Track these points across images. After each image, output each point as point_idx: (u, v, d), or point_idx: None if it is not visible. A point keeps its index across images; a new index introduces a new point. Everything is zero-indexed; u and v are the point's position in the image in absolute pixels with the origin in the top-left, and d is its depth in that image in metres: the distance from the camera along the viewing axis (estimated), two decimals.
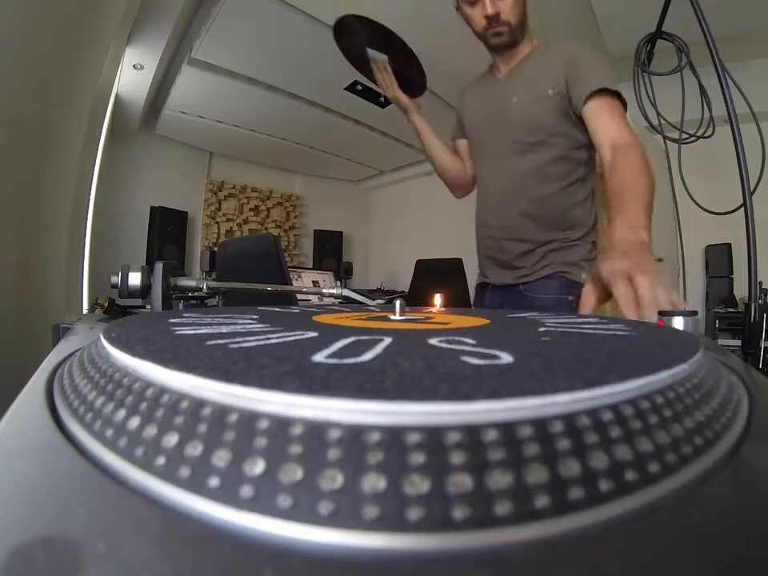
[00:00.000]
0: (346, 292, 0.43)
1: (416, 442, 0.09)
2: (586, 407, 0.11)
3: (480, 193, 0.94)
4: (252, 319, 0.27)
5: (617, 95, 0.72)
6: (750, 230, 0.79)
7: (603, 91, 0.72)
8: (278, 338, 0.19)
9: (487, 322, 0.30)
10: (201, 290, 0.42)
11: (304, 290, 0.45)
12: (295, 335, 0.20)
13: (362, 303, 0.40)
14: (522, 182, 0.83)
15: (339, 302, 0.57)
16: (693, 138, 1.55)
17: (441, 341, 0.19)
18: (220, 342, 0.18)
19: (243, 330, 0.22)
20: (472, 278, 1.31)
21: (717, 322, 2.40)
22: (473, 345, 0.18)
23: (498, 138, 0.86)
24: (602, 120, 0.72)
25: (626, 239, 0.51)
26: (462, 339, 0.20)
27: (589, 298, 0.47)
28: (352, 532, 0.08)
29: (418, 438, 0.10)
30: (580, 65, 0.76)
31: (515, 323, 0.30)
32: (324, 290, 0.43)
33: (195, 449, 0.10)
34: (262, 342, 0.18)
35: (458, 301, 1.75)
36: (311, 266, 3.82)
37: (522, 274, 0.85)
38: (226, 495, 0.09)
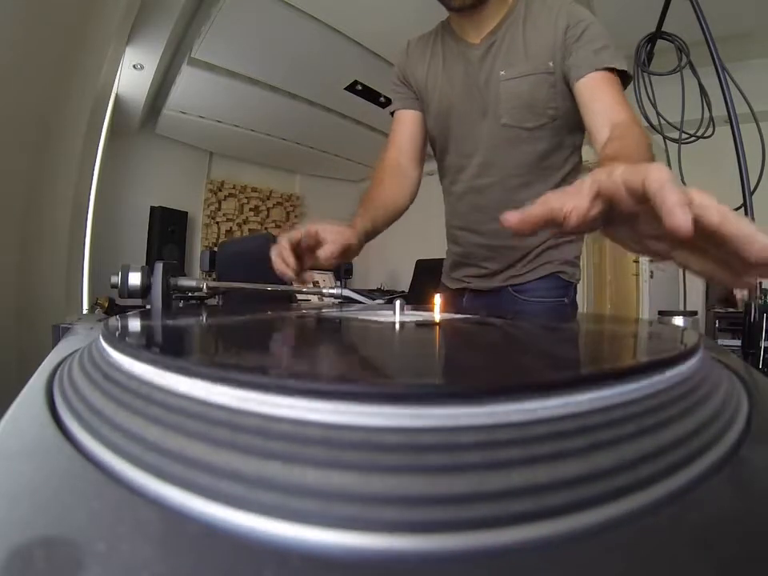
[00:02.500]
0: (346, 292, 0.43)
1: (415, 443, 0.09)
2: (586, 408, 0.11)
3: (458, 192, 0.76)
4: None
5: (618, 76, 0.61)
6: None
7: (606, 69, 0.60)
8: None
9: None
10: (201, 289, 0.42)
11: (304, 289, 0.45)
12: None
13: (361, 303, 0.40)
14: (519, 177, 0.69)
15: (338, 302, 0.56)
16: (693, 138, 1.55)
17: None
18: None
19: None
20: None
21: (717, 322, 2.39)
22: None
23: (480, 123, 0.70)
24: (600, 98, 0.60)
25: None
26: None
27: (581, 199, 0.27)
28: (352, 532, 0.08)
29: (417, 441, 0.10)
30: (584, 32, 0.62)
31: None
32: (324, 290, 0.43)
33: (195, 449, 0.10)
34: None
35: None
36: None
37: (512, 275, 0.73)
38: (227, 495, 0.09)
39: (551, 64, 0.64)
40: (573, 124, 0.69)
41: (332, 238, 0.48)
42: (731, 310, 2.35)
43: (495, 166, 0.71)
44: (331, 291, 0.42)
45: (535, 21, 0.66)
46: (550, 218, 0.28)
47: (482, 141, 0.70)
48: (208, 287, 0.42)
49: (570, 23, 0.63)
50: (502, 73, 0.67)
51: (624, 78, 0.63)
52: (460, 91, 0.71)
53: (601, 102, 0.60)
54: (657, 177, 0.24)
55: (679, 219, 0.21)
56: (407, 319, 0.29)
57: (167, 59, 2.53)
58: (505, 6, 0.68)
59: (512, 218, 0.28)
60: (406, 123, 0.77)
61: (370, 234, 0.60)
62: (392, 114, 0.80)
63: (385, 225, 0.65)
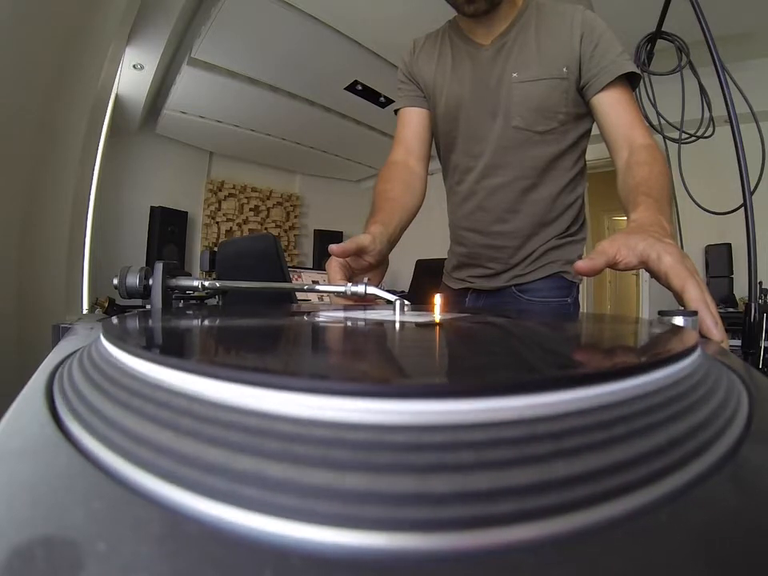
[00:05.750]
0: (371, 289, 0.42)
1: (415, 441, 0.09)
2: (585, 406, 0.11)
3: (464, 192, 0.76)
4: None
5: (630, 82, 0.64)
6: (750, 230, 0.79)
7: (622, 77, 0.62)
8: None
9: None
10: (201, 289, 0.42)
11: (328, 288, 0.43)
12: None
13: (388, 300, 0.39)
14: (527, 180, 0.70)
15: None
16: (693, 138, 1.55)
17: None
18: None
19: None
20: None
21: None
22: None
23: (490, 124, 0.70)
24: (620, 116, 0.62)
25: (660, 224, 0.43)
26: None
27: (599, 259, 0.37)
28: (352, 532, 0.08)
29: (417, 438, 0.10)
30: (600, 39, 0.63)
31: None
32: (349, 287, 0.41)
33: (195, 448, 0.10)
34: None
35: None
36: (311, 266, 3.82)
37: (516, 275, 0.74)
38: (227, 494, 0.09)
39: (565, 70, 0.65)
40: (581, 129, 0.70)
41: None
42: (731, 309, 2.35)
43: (503, 167, 0.71)
44: (355, 289, 0.41)
45: (548, 26, 0.67)
46: (608, 265, 0.37)
47: (492, 142, 0.70)
48: (208, 287, 0.42)
49: (584, 31, 0.64)
50: (515, 75, 0.67)
51: (635, 80, 0.65)
52: (470, 91, 0.70)
53: (623, 117, 0.63)
54: (694, 296, 0.34)
55: (716, 336, 0.31)
56: (423, 319, 0.29)
57: (167, 59, 2.53)
58: (514, 9, 0.69)
59: (582, 267, 0.36)
60: (413, 121, 0.77)
61: (393, 239, 0.62)
62: (396, 112, 0.79)
63: (404, 228, 0.67)
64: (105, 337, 0.17)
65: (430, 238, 2.36)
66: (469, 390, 0.10)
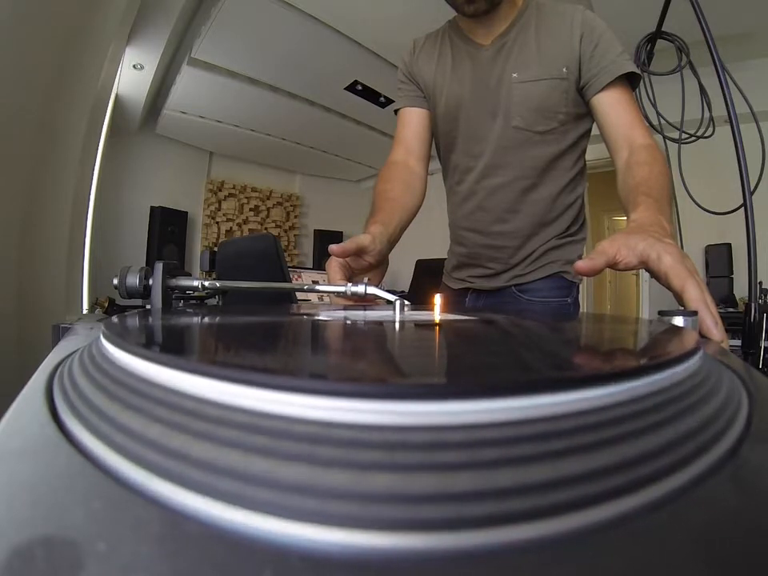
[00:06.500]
0: (371, 289, 0.41)
1: (416, 441, 0.09)
2: (586, 407, 0.11)
3: (464, 192, 0.76)
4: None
5: (630, 82, 0.64)
6: (750, 230, 0.79)
7: (622, 77, 0.62)
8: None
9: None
10: (201, 289, 0.42)
11: (329, 288, 0.43)
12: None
13: (388, 301, 0.39)
14: (527, 180, 0.70)
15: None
16: (693, 138, 1.55)
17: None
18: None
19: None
20: None
21: None
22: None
23: (491, 124, 0.70)
24: (620, 116, 0.63)
25: (660, 224, 0.43)
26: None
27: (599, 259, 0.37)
28: (352, 532, 0.08)
29: (417, 438, 0.10)
30: (600, 39, 0.63)
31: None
32: (349, 288, 0.41)
33: (196, 447, 0.10)
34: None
35: None
36: (311, 266, 3.82)
37: (516, 275, 0.74)
38: (227, 495, 0.09)
39: (565, 70, 0.65)
40: (581, 130, 0.70)
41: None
42: (731, 309, 2.35)
43: (503, 167, 0.71)
44: (355, 289, 0.41)
45: (548, 26, 0.67)
46: (608, 265, 0.37)
47: (491, 142, 0.70)
48: (208, 287, 0.42)
49: (584, 31, 0.64)
50: (515, 75, 0.67)
51: (635, 80, 0.65)
52: (470, 91, 0.71)
53: (623, 117, 0.63)
54: (694, 296, 0.34)
55: (716, 336, 0.31)
56: (424, 319, 0.29)
57: (167, 59, 2.53)
58: (514, 9, 0.69)
59: (583, 267, 0.36)
60: (413, 121, 0.77)
61: (393, 239, 0.62)
62: (396, 112, 0.80)
63: (404, 228, 0.68)
64: (105, 336, 0.17)
65: (430, 238, 2.36)
66: (468, 391, 0.10)
